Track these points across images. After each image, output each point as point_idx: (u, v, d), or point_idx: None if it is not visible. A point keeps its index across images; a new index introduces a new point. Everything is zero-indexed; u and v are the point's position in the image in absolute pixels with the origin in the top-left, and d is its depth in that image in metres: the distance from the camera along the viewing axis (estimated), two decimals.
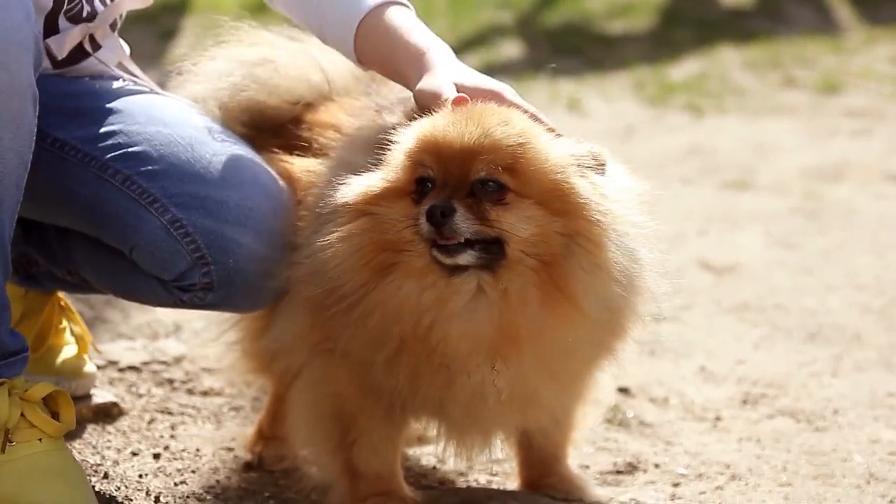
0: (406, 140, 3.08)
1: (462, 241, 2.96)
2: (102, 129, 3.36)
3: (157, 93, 3.55)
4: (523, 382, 3.09)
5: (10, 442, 3.15)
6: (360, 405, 3.27)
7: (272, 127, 3.53)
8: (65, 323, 3.90)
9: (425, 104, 3.13)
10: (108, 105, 3.42)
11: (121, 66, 3.60)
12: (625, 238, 3.02)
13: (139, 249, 3.27)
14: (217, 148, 3.36)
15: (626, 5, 10.16)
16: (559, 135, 3.12)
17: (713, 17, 9.95)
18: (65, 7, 3.40)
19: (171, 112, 3.44)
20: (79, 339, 3.90)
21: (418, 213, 2.98)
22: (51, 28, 3.39)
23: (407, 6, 3.40)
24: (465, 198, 2.98)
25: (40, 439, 3.19)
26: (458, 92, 3.11)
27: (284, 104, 3.54)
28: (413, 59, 3.25)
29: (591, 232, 2.98)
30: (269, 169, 3.38)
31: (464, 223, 2.95)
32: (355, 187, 3.07)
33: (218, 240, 3.25)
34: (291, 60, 3.59)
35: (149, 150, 3.31)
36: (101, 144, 3.33)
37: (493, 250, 2.98)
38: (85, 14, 3.44)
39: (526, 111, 3.13)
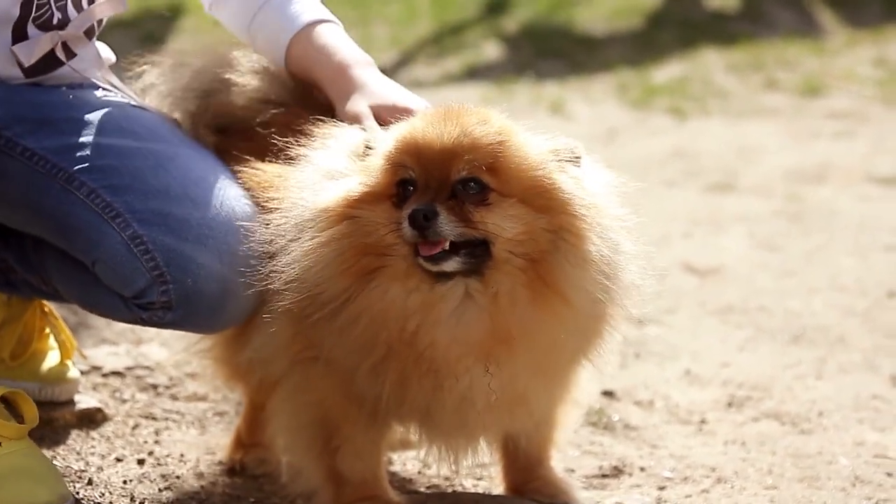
0: (384, 143, 3.08)
1: (447, 247, 2.96)
2: (72, 141, 3.32)
3: (133, 104, 3.50)
4: (513, 383, 3.09)
5: None
6: (343, 411, 3.25)
7: (242, 130, 3.48)
8: (48, 329, 3.88)
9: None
10: (81, 116, 3.38)
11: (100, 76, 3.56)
12: (608, 230, 3.03)
13: (101, 264, 3.24)
14: (185, 164, 3.32)
15: (611, 8, 10.17)
16: None
17: (696, 20, 9.97)
18: (33, 14, 3.35)
19: (144, 125, 3.40)
20: (62, 345, 3.88)
21: (401, 217, 2.98)
22: (19, 35, 3.36)
23: (334, 22, 3.50)
24: (447, 200, 2.97)
25: (0, 444, 3.19)
26: (374, 114, 3.25)
27: (253, 104, 3.50)
28: (336, 81, 3.38)
29: (575, 226, 2.99)
30: (237, 188, 3.33)
31: (447, 226, 2.94)
32: (333, 192, 3.05)
33: (177, 258, 3.20)
34: (259, 57, 3.57)
35: (116, 164, 3.27)
36: (69, 156, 3.30)
37: (478, 253, 2.97)
38: (55, 21, 3.40)
39: None
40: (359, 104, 3.29)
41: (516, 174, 3.00)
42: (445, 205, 2.96)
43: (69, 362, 3.90)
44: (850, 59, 9.12)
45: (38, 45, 3.37)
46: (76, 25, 3.44)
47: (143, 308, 3.26)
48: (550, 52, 9.16)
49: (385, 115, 3.24)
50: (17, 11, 3.32)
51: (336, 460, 3.28)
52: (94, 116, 3.39)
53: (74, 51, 3.46)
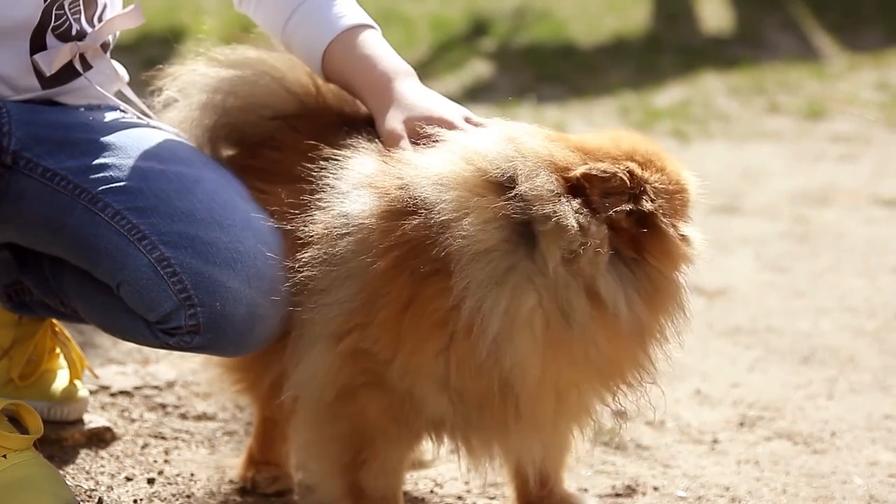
0: None
1: None
2: (94, 162, 3.29)
3: (151, 126, 3.47)
4: None
5: None
6: (384, 429, 3.20)
7: (249, 146, 3.46)
8: (58, 348, 3.85)
9: (385, 145, 3.23)
10: (101, 138, 3.35)
11: (118, 93, 3.54)
12: None
13: (126, 286, 3.20)
14: (210, 187, 3.28)
15: (609, 32, 10.19)
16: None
17: (694, 44, 9.98)
18: (52, 24, 3.34)
19: (165, 148, 3.37)
20: (72, 364, 3.86)
21: None
22: (38, 45, 3.33)
23: (374, 28, 3.45)
24: None
25: (4, 455, 3.17)
26: (409, 128, 3.20)
27: (262, 120, 3.47)
28: (376, 93, 3.32)
29: None
30: (260, 211, 3.30)
31: None
32: None
33: (205, 282, 3.16)
34: (269, 69, 3.53)
35: (141, 186, 3.24)
36: (91, 176, 3.27)
37: None
38: (74, 32, 3.38)
39: (476, 123, 3.25)
40: (394, 121, 3.25)
41: None
42: None
43: (77, 382, 3.87)
44: (852, 83, 9.13)
45: (59, 54, 3.35)
46: (93, 37, 3.42)
47: (168, 334, 3.22)
48: (551, 76, 9.16)
49: (417, 129, 3.20)
50: (35, 20, 3.30)
51: (360, 475, 3.23)
52: (115, 138, 3.35)
53: (91, 63, 3.45)
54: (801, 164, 7.44)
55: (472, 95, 8.77)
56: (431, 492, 3.71)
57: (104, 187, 3.24)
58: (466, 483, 3.74)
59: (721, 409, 4.34)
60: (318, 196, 3.15)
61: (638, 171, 3.02)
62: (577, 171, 2.99)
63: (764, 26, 10.37)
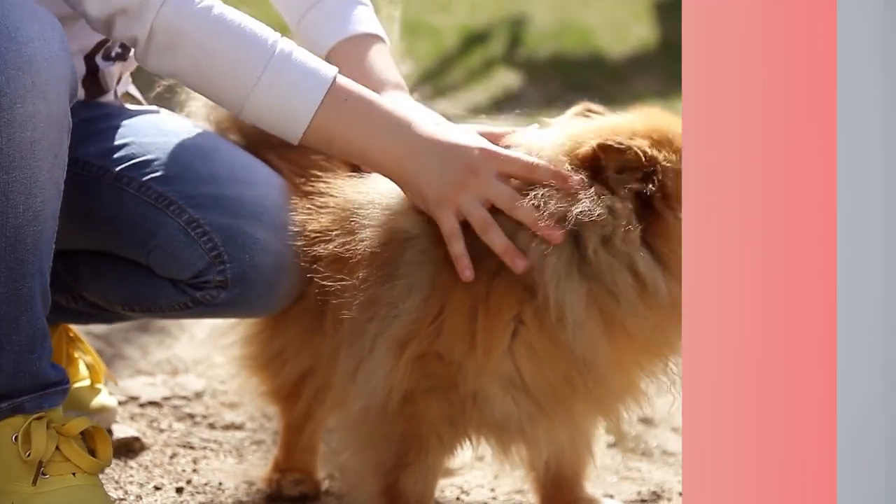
0: None
1: None
2: (114, 144, 3.40)
3: (164, 112, 3.62)
4: None
5: (44, 475, 3.13)
6: (439, 432, 3.17)
7: (274, 144, 3.42)
8: (76, 353, 3.89)
9: None
10: (120, 123, 3.47)
11: (126, 93, 3.68)
12: None
13: (156, 252, 3.27)
14: (228, 153, 3.39)
15: (637, 41, 10.21)
16: None
17: None
18: (101, 51, 3.49)
19: (179, 125, 3.50)
20: (90, 368, 3.90)
21: None
22: (90, 67, 3.47)
23: (383, 41, 3.51)
24: None
25: (74, 473, 3.16)
26: None
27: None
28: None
29: None
30: (277, 173, 3.39)
31: None
32: None
33: (234, 235, 3.24)
34: None
35: (161, 157, 3.34)
36: (113, 157, 3.37)
37: None
38: (113, 54, 3.52)
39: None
40: None
41: None
42: None
43: (98, 386, 3.90)
44: None
45: (112, 73, 3.54)
46: (132, 60, 3.56)
47: (196, 288, 3.28)
48: (579, 85, 9.17)
49: None
50: (91, 45, 3.45)
51: (401, 476, 3.20)
52: (131, 122, 3.47)
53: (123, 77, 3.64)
54: None
55: (500, 105, 8.79)
56: (458, 499, 3.73)
57: (126, 164, 3.34)
58: (492, 490, 3.76)
59: None
60: (359, 212, 3.16)
61: (650, 148, 2.99)
62: (593, 143, 3.01)
63: None
